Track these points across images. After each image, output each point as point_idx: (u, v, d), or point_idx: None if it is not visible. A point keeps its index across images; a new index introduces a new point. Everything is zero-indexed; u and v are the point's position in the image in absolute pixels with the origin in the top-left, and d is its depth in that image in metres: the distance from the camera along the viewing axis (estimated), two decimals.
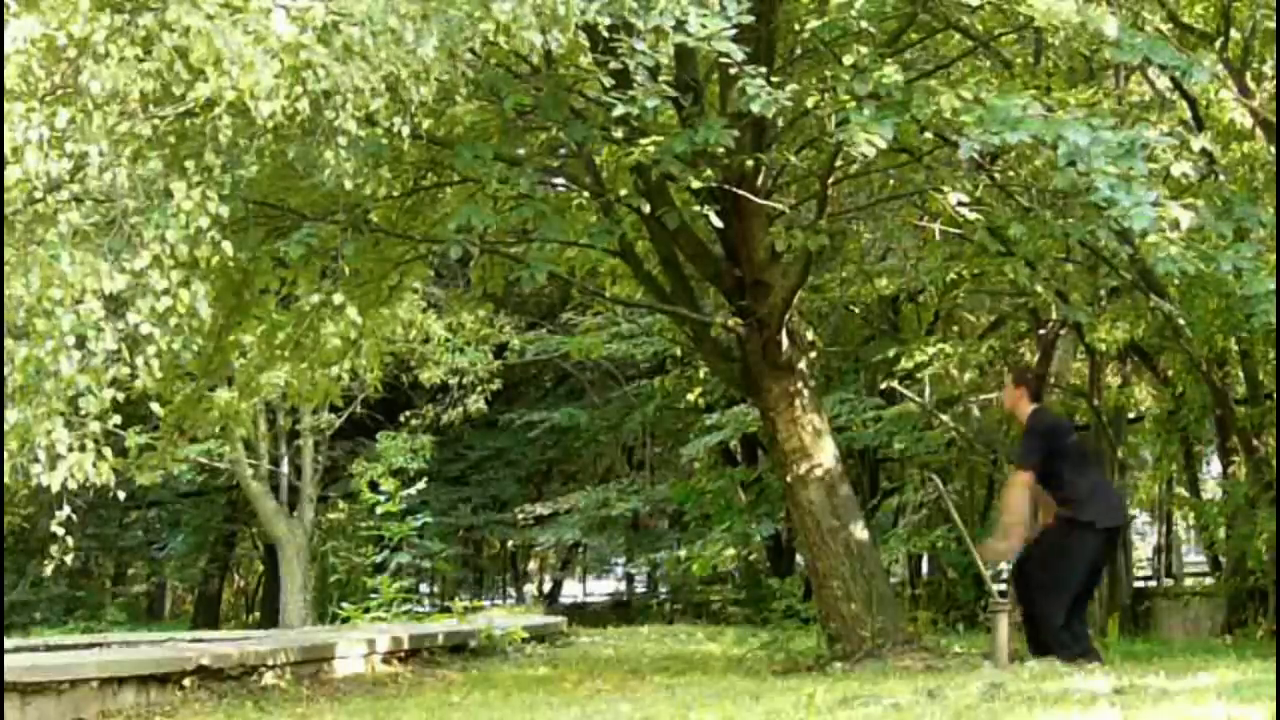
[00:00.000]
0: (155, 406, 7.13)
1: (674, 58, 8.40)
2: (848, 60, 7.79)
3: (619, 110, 7.37)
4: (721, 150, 8.05)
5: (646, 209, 8.84)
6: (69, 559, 6.70)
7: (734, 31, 7.19)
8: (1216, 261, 7.82)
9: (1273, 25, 10.71)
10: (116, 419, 6.42)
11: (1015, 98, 7.64)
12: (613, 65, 7.35)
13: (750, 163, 8.82)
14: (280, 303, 10.17)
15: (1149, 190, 7.33)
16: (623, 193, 9.43)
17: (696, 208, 8.87)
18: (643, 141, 7.90)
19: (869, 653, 9.15)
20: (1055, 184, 7.88)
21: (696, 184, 8.25)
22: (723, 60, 7.50)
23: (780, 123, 8.91)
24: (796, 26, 9.14)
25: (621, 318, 19.36)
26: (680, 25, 6.96)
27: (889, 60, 8.17)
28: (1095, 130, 7.37)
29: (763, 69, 7.65)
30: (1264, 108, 11.22)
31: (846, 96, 7.67)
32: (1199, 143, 8.54)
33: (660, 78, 7.77)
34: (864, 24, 8.07)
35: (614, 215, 9.31)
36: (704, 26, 6.99)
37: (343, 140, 6.50)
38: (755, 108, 7.41)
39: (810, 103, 8.08)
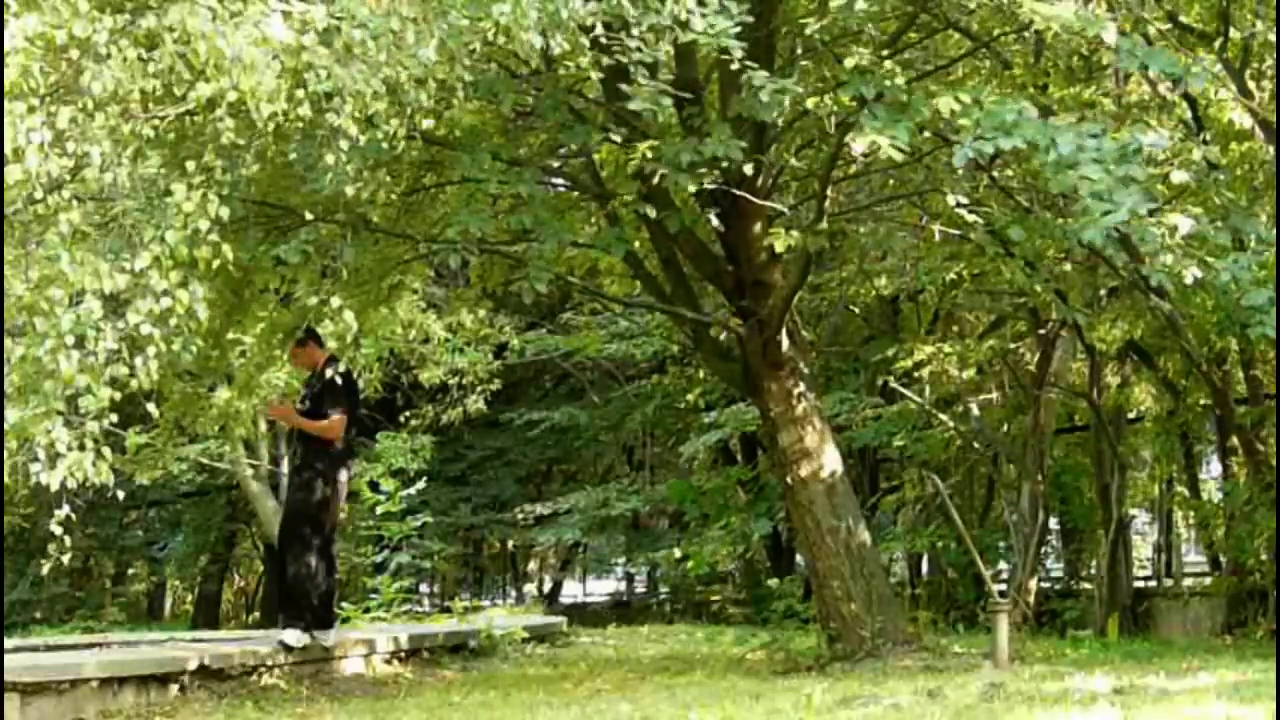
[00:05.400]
0: (151, 407, 7.12)
1: (674, 56, 8.36)
2: (850, 62, 7.75)
3: (634, 104, 7.32)
4: (722, 154, 8.01)
5: (651, 213, 8.81)
6: (68, 559, 6.68)
7: (737, 30, 7.16)
8: (1215, 272, 7.78)
9: (1271, 32, 10.68)
10: (113, 418, 6.41)
11: (1011, 102, 7.60)
12: (607, 62, 7.31)
13: (750, 165, 8.81)
14: (281, 301, 10.17)
15: (1146, 195, 7.30)
16: (626, 197, 9.42)
17: (698, 209, 8.84)
18: (641, 145, 7.85)
19: (869, 653, 9.15)
20: (1051, 188, 7.85)
21: (695, 187, 8.22)
22: (723, 59, 7.48)
23: (780, 123, 8.89)
24: (796, 27, 9.12)
25: (621, 317, 19.35)
26: (684, 24, 6.92)
27: (888, 61, 8.15)
28: (1085, 137, 7.35)
29: (764, 72, 7.61)
30: (1264, 108, 11.19)
31: (849, 99, 7.63)
32: (1199, 151, 8.51)
33: (659, 76, 7.72)
34: (866, 25, 8.04)
35: (620, 223, 9.26)
36: (711, 26, 6.95)
37: (344, 143, 6.49)
38: (763, 99, 7.36)
39: (811, 103, 8.03)
